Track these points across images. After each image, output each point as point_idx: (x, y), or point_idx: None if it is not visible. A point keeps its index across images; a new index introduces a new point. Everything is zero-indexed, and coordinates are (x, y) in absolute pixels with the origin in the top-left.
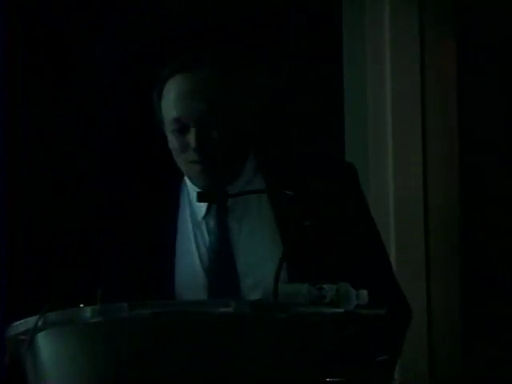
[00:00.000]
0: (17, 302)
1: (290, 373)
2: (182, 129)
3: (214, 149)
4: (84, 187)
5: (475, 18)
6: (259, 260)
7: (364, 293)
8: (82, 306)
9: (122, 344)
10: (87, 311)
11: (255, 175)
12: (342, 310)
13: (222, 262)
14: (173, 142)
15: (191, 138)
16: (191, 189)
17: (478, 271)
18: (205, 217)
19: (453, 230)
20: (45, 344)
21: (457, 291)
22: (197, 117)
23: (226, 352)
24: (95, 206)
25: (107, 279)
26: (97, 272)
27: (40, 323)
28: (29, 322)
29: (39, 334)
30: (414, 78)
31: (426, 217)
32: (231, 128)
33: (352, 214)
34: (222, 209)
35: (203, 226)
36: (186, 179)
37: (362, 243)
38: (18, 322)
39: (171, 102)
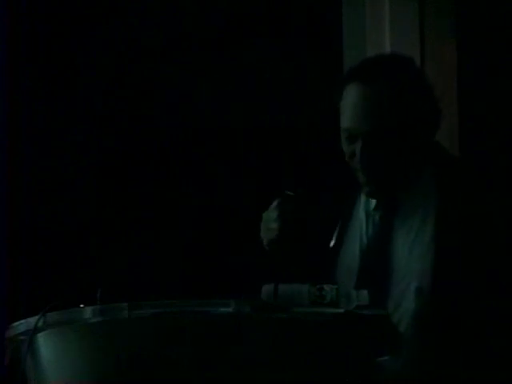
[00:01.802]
0: (17, 303)
1: (290, 373)
2: (350, 138)
3: (378, 163)
4: (84, 187)
5: (475, 17)
6: (410, 262)
7: (364, 293)
8: (82, 306)
9: (122, 344)
10: (87, 311)
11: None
12: (342, 310)
13: (376, 256)
14: (344, 146)
15: (357, 149)
16: None
17: None
18: (374, 209)
19: None
20: (45, 344)
21: None
22: (365, 131)
23: (226, 352)
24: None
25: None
26: (97, 272)
27: (40, 323)
28: (29, 322)
29: (39, 334)
30: None
31: None
32: (402, 141)
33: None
34: (389, 204)
35: (370, 218)
36: None
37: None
38: (18, 322)
39: (345, 110)
